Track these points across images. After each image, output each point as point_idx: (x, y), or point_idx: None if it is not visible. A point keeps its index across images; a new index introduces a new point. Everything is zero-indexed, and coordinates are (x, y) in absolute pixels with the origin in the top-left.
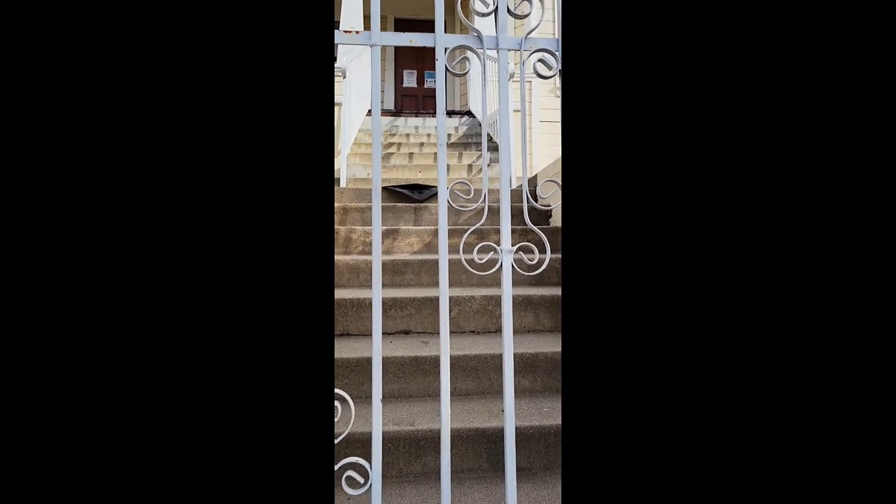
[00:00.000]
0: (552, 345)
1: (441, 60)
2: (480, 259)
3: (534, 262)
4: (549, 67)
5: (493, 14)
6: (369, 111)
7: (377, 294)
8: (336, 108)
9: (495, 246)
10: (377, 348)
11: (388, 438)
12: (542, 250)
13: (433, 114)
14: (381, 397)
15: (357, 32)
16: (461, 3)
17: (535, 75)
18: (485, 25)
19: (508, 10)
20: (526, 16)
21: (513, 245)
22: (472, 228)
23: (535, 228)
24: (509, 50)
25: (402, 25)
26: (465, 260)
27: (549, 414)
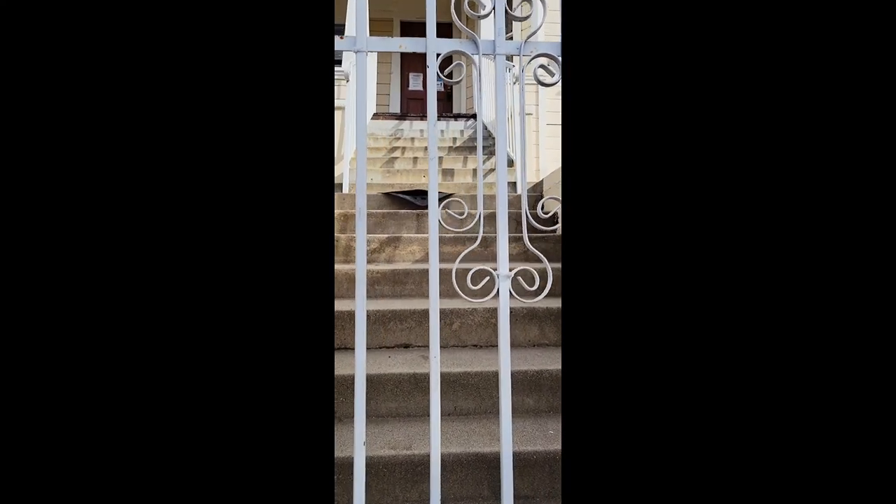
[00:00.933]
0: (559, 361)
1: (432, 67)
2: (475, 286)
3: (533, 288)
4: (552, 74)
5: (492, 15)
6: (374, 114)
7: (360, 328)
8: (339, 113)
9: (491, 271)
10: (360, 394)
11: (383, 464)
12: (543, 275)
13: (440, 116)
14: (363, 441)
15: (342, 37)
16: (455, 5)
17: (537, 83)
18: (487, 31)
19: (507, 12)
20: (527, 17)
21: (511, 265)
22: (467, 248)
23: (536, 252)
24: (508, 55)
25: (408, 29)
26: (458, 272)
27: (555, 437)
